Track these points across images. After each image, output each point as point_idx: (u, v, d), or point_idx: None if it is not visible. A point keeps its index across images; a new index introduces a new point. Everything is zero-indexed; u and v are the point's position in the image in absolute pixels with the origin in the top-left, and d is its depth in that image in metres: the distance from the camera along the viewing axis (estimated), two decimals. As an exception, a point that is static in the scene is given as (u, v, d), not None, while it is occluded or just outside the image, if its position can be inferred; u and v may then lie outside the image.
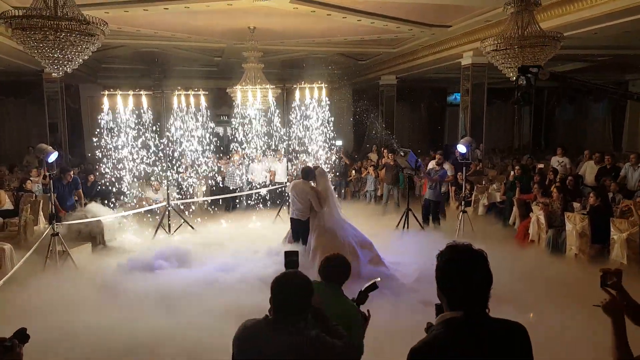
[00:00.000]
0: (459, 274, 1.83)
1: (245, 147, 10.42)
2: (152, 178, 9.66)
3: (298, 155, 10.52)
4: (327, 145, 9.96)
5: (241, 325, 2.28)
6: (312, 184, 6.86)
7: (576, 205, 8.00)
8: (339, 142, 12.23)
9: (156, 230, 8.84)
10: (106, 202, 9.16)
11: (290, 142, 10.34)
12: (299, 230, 6.88)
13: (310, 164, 8.93)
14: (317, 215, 6.77)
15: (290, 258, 2.69)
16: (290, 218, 7.06)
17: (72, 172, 9.20)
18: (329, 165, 11.86)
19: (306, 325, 2.19)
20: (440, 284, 1.88)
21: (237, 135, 10.28)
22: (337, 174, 12.03)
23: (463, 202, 8.86)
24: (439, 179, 9.11)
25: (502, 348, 1.79)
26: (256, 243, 7.82)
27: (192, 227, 9.25)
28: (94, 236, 8.07)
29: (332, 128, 9.88)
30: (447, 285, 1.86)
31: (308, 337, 2.15)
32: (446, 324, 1.82)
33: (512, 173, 9.61)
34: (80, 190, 9.28)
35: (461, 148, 8.54)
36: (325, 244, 6.48)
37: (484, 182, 11.17)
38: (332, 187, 7.26)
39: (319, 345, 2.14)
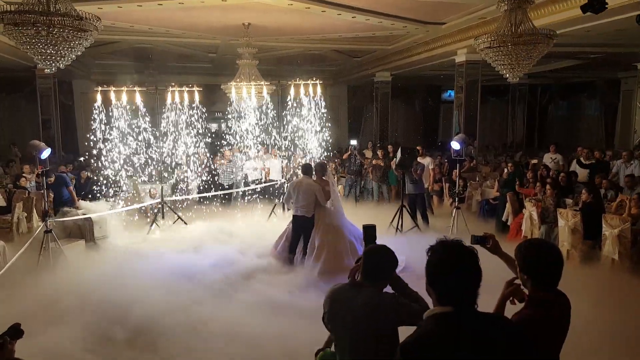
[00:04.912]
0: (450, 270, 1.85)
1: (239, 144, 10.40)
2: (149, 185, 9.60)
3: (294, 152, 10.49)
4: (321, 142, 9.95)
5: (329, 289, 2.66)
6: (314, 178, 6.91)
7: (569, 201, 8.08)
8: (354, 142, 12.20)
9: (150, 227, 8.83)
10: (101, 198, 9.12)
11: (285, 139, 10.32)
12: (302, 228, 6.84)
13: (307, 161, 8.95)
14: (323, 212, 6.80)
15: (369, 232, 2.95)
16: (294, 216, 6.97)
17: (53, 176, 8.93)
18: (345, 166, 11.99)
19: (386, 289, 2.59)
20: (430, 279, 1.90)
21: (231, 132, 10.25)
22: (351, 171, 12.04)
23: (457, 199, 8.91)
24: (420, 174, 9.18)
25: (490, 343, 1.81)
26: (246, 241, 7.88)
27: (186, 223, 9.26)
28: (84, 233, 8.03)
29: (327, 125, 9.87)
30: (437, 281, 1.88)
31: (388, 295, 2.54)
32: (436, 319, 1.84)
33: (505, 170, 9.68)
34: (71, 187, 9.20)
35: (455, 145, 8.58)
36: (331, 241, 6.56)
37: (477, 179, 11.24)
38: (336, 185, 7.33)
39: (397, 303, 2.48)
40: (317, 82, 9.43)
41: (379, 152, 11.75)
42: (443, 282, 1.85)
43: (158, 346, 4.52)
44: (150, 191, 9.74)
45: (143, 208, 9.58)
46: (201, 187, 10.63)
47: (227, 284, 5.99)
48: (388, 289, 2.63)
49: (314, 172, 7.10)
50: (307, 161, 8.83)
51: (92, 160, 9.29)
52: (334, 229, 6.70)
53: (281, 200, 9.60)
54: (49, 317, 4.96)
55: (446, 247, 1.89)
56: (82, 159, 12.82)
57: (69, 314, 5.06)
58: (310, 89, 9.41)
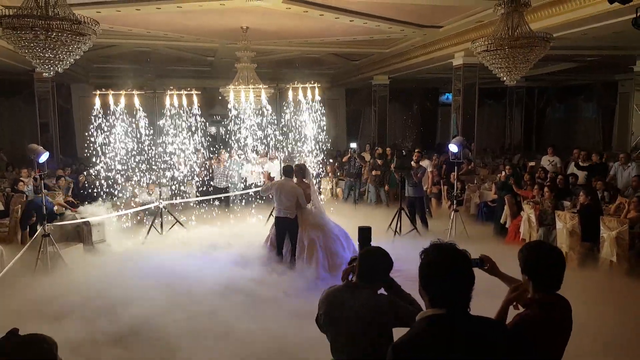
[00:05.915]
0: (443, 273, 1.85)
1: (237, 148, 10.39)
2: (146, 180, 9.59)
3: (294, 155, 10.48)
4: (319, 145, 9.95)
5: (324, 291, 2.69)
6: (295, 180, 6.99)
7: (566, 204, 8.09)
8: (354, 145, 12.26)
9: (148, 231, 8.81)
10: (99, 201, 9.10)
11: (283, 142, 10.32)
12: (286, 229, 6.93)
13: (297, 162, 8.97)
14: (305, 212, 6.92)
15: (365, 234, 3.02)
16: (277, 217, 7.07)
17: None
18: (345, 169, 12.03)
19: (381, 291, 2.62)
20: (423, 282, 1.90)
21: (230, 135, 10.25)
22: (350, 174, 12.10)
23: (455, 201, 8.92)
24: (421, 177, 9.20)
25: (483, 345, 1.81)
26: (244, 243, 7.86)
27: (183, 226, 9.26)
28: (83, 237, 8.01)
29: (324, 128, 9.88)
30: (430, 283, 1.88)
31: (385, 297, 2.59)
32: (428, 321, 1.84)
33: (503, 173, 9.69)
34: (56, 200, 9.17)
35: (453, 147, 8.60)
36: (320, 238, 6.71)
37: (475, 182, 11.25)
38: (315, 185, 7.49)
39: (394, 304, 2.54)
40: (315, 85, 9.44)
41: (379, 162, 11.73)
42: (436, 285, 1.86)
43: (152, 346, 4.54)
44: (147, 189, 9.73)
45: (145, 212, 9.56)
46: (197, 192, 10.60)
47: (224, 285, 6.01)
48: (381, 291, 2.65)
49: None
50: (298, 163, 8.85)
51: (90, 164, 9.27)
52: (320, 227, 6.90)
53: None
54: (44, 320, 4.92)
55: (440, 249, 1.89)
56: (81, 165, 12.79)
57: (63, 316, 5.06)
58: (309, 92, 9.42)
